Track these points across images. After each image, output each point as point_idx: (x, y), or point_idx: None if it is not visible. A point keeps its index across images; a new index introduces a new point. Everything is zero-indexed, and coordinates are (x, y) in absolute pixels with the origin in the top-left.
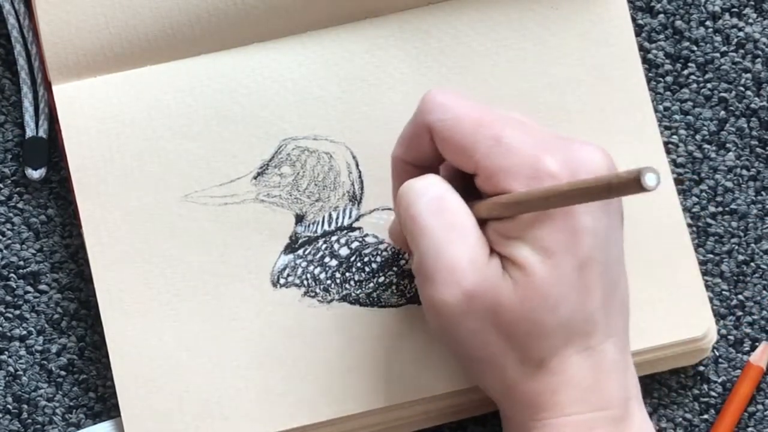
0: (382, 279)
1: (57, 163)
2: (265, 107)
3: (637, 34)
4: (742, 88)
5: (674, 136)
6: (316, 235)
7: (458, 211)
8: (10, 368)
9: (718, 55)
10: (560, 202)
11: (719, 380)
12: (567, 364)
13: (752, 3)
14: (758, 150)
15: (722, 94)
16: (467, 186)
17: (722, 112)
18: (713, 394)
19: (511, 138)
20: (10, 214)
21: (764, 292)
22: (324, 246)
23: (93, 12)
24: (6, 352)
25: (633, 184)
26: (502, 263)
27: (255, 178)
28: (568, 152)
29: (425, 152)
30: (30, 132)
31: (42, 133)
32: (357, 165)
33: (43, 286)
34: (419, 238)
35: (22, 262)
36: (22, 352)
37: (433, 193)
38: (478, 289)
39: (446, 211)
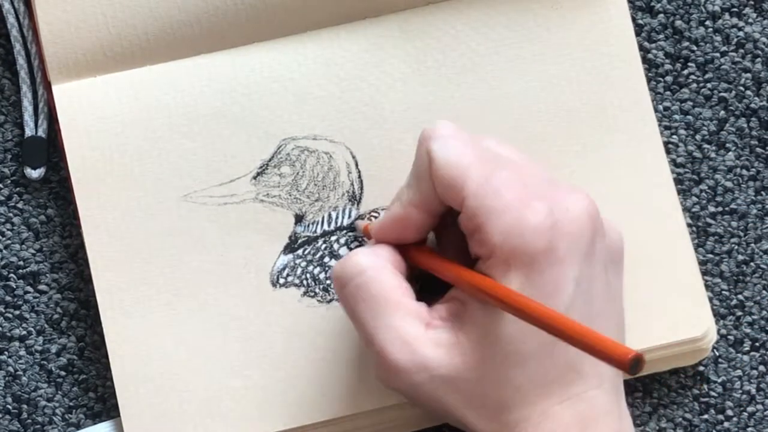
0: None
1: (57, 162)
2: (265, 107)
3: (637, 34)
4: (742, 88)
5: (674, 136)
6: (315, 235)
7: (383, 294)
8: (10, 368)
9: (718, 54)
10: (537, 325)
11: (719, 380)
12: (549, 415)
13: (752, 3)
14: (758, 150)
15: (722, 94)
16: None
17: (722, 112)
18: (713, 394)
19: (500, 180)
20: (10, 214)
21: (764, 292)
22: (323, 246)
23: (93, 12)
24: (6, 352)
25: (618, 362)
26: (463, 315)
27: (254, 177)
28: (554, 201)
29: (427, 189)
30: (29, 131)
31: (41, 133)
32: (356, 165)
33: (42, 286)
34: (355, 327)
35: (21, 262)
36: (22, 352)
37: (353, 282)
38: (415, 367)
39: (369, 299)
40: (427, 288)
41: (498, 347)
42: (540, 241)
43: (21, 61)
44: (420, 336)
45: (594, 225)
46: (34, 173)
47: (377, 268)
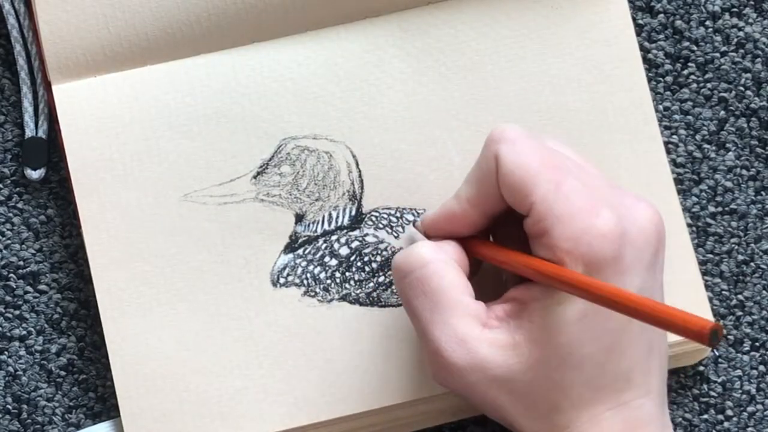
0: (382, 279)
1: (57, 163)
2: (265, 107)
3: (637, 34)
4: (742, 88)
5: (674, 136)
6: (316, 234)
7: (443, 289)
8: (10, 368)
9: (718, 55)
10: (609, 305)
11: (719, 380)
12: (598, 420)
13: (752, 3)
14: (758, 150)
15: (722, 94)
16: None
17: (722, 112)
18: (713, 394)
19: (570, 187)
20: (10, 214)
21: (764, 292)
22: (324, 245)
23: (93, 12)
24: (6, 352)
25: (695, 334)
26: (522, 317)
27: (255, 177)
28: (623, 209)
29: (489, 190)
30: (29, 132)
31: (41, 134)
32: (357, 164)
33: (42, 286)
34: (410, 319)
35: (21, 262)
36: (22, 352)
37: (414, 274)
38: (471, 366)
39: (430, 293)
40: (483, 288)
41: (557, 350)
42: (608, 250)
43: (21, 61)
44: (477, 336)
45: (659, 236)
46: (35, 174)
47: (440, 263)
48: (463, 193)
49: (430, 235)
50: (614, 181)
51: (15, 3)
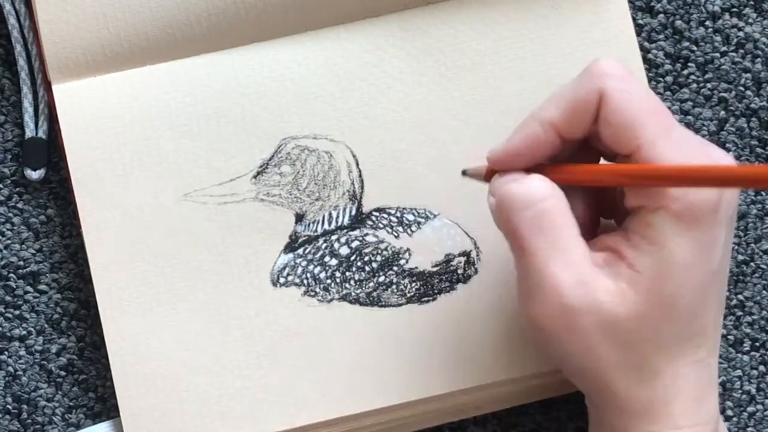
0: (382, 278)
1: (57, 163)
2: (265, 107)
3: (637, 34)
4: (742, 88)
5: None
6: (316, 234)
7: (561, 227)
8: (10, 368)
9: (718, 55)
10: (716, 183)
11: (719, 380)
12: (680, 375)
13: (752, 3)
14: (758, 150)
15: (722, 94)
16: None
17: (722, 112)
18: None
19: (680, 134)
20: (10, 214)
21: (764, 292)
22: (324, 245)
23: (93, 12)
24: (6, 352)
25: None
26: (623, 266)
27: (255, 177)
28: (716, 159)
29: (584, 121)
30: (29, 133)
31: (41, 134)
32: (357, 164)
33: (42, 286)
34: (519, 257)
35: (21, 262)
36: (22, 352)
37: (535, 208)
38: (584, 307)
39: (549, 229)
40: None
41: (658, 299)
42: (712, 200)
43: (21, 62)
44: (596, 278)
45: (736, 195)
46: (35, 174)
47: (559, 200)
48: (548, 116)
49: (505, 165)
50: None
51: (15, 3)
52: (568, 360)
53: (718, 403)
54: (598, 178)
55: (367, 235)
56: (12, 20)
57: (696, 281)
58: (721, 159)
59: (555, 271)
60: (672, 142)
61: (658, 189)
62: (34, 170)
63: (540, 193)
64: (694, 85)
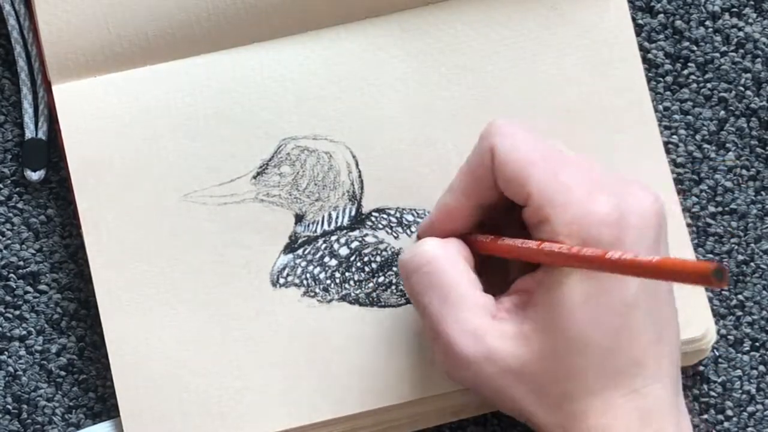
0: (381, 279)
1: (57, 163)
2: (265, 107)
3: (637, 34)
4: (742, 88)
5: (674, 136)
6: (315, 234)
7: (451, 284)
8: (10, 368)
9: (718, 55)
10: (608, 269)
11: (719, 380)
12: (611, 407)
13: (752, 3)
14: (758, 150)
15: (722, 94)
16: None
17: (722, 112)
18: (713, 394)
19: (567, 176)
20: (10, 215)
21: (764, 292)
22: (323, 246)
23: (93, 12)
24: (6, 352)
25: (701, 277)
26: (528, 306)
27: (254, 177)
28: (622, 194)
29: (482, 182)
30: (29, 134)
31: (41, 135)
32: (357, 164)
33: (42, 286)
34: (421, 316)
35: (21, 262)
36: (22, 352)
37: (426, 269)
38: (483, 358)
39: (438, 286)
40: (491, 284)
41: (563, 335)
42: (607, 234)
43: (21, 63)
44: (488, 328)
45: (659, 219)
46: (34, 175)
47: (447, 258)
48: (456, 185)
49: (428, 235)
50: (623, 174)
51: (15, 4)
52: (496, 404)
53: (686, 428)
54: (497, 249)
55: (366, 235)
56: (12, 21)
57: (602, 314)
58: (633, 192)
59: (446, 328)
60: (558, 184)
61: (552, 227)
62: (34, 171)
63: (426, 256)
64: (694, 85)
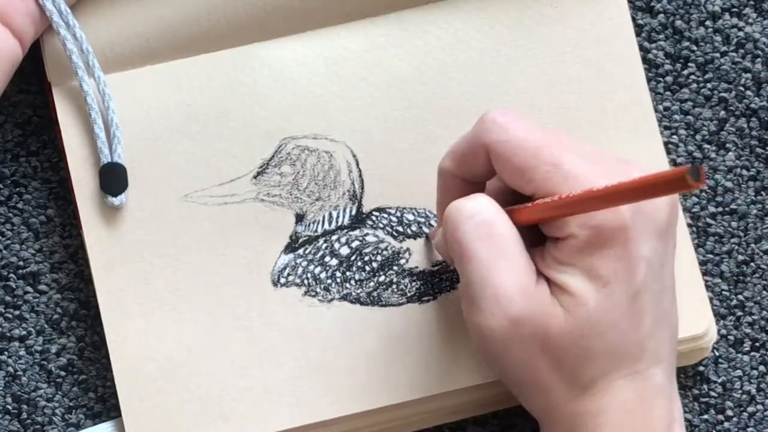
0: (382, 278)
1: (57, 163)
2: (265, 107)
3: (637, 34)
4: (742, 88)
5: (674, 136)
6: (316, 234)
7: (507, 236)
8: (10, 368)
9: (718, 55)
10: (611, 203)
11: (719, 380)
12: (612, 388)
13: (752, 3)
14: (758, 150)
15: (722, 94)
16: (515, 199)
17: (722, 112)
18: (713, 394)
19: (570, 163)
20: (10, 214)
21: (764, 292)
22: (324, 245)
23: (92, 13)
24: (6, 353)
25: (679, 182)
26: (551, 288)
27: (255, 177)
28: (625, 177)
29: (478, 170)
30: (104, 159)
31: (117, 159)
32: (357, 164)
33: (42, 287)
34: (465, 264)
35: (21, 263)
36: (22, 352)
37: (481, 218)
38: (526, 317)
39: (494, 236)
40: None
41: (587, 317)
42: (612, 219)
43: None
44: (535, 290)
45: (671, 204)
46: (116, 201)
47: (502, 213)
48: (449, 168)
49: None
50: (627, 157)
51: None
52: (508, 374)
53: (677, 409)
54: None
55: (367, 235)
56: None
57: (617, 299)
58: (633, 174)
59: (499, 279)
60: (561, 176)
61: (563, 219)
62: (115, 196)
63: (485, 206)
64: (694, 85)
